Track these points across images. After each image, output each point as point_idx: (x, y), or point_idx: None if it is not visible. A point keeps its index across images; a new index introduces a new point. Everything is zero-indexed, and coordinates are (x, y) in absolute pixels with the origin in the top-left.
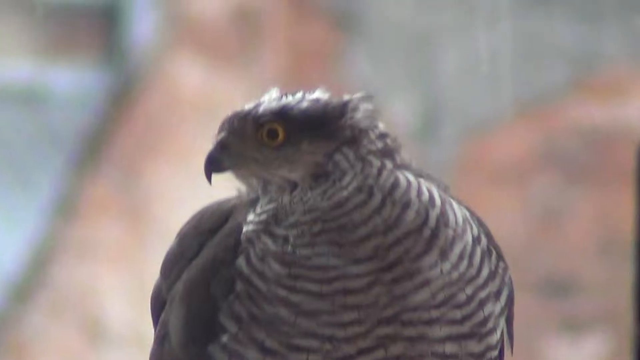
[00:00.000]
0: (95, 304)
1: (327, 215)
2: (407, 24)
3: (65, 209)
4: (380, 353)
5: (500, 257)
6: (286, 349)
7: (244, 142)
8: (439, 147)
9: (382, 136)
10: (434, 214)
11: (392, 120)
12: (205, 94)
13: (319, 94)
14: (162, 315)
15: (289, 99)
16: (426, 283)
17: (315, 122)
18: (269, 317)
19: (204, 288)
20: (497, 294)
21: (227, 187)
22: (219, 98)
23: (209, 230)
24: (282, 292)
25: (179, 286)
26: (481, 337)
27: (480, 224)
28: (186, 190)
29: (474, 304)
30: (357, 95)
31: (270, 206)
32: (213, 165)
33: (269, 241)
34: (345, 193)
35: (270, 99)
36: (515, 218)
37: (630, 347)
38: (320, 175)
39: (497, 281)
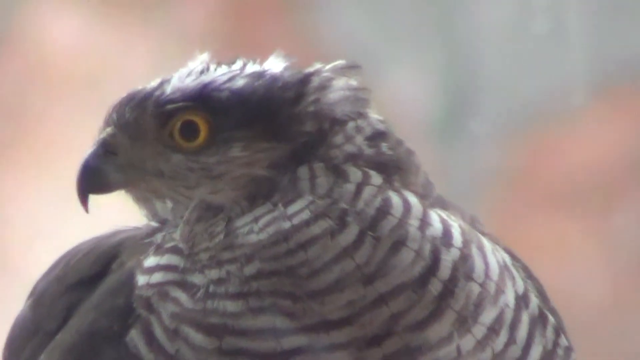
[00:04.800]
0: None
1: (263, 253)
2: None
3: None
4: None
5: (560, 329)
6: None
7: (141, 143)
8: (470, 149)
9: (375, 134)
10: (448, 259)
11: (395, 108)
12: (87, 57)
13: (270, 64)
14: None
15: (217, 73)
16: None
17: (256, 111)
18: None
19: None
20: None
21: (124, 206)
22: (109, 64)
23: (80, 284)
24: None
25: None
26: None
27: (529, 276)
28: (56, 213)
29: None
30: (332, 64)
31: (179, 242)
32: (90, 180)
33: (182, 297)
34: (286, 224)
35: (186, 72)
36: (591, 265)
37: None
38: (264, 196)
39: None
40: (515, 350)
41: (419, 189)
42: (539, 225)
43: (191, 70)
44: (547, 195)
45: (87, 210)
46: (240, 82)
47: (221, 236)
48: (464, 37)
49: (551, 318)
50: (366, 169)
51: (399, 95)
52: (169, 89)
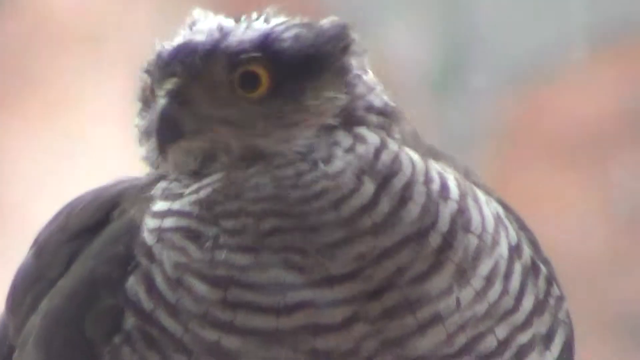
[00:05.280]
0: None
1: (289, 209)
2: None
3: None
4: None
5: (552, 279)
6: None
7: (212, 93)
8: (466, 106)
9: (378, 87)
10: (447, 213)
11: (395, 62)
12: (90, 15)
13: (295, 20)
14: None
15: (269, 25)
16: (436, 320)
17: (318, 61)
18: None
19: (74, 326)
20: (548, 339)
21: (126, 161)
22: (110, 22)
23: (82, 233)
24: (212, 335)
25: (35, 322)
26: None
27: (522, 227)
28: (59, 164)
29: (508, 354)
30: (334, 20)
31: (205, 188)
32: (169, 130)
33: (191, 247)
34: (327, 183)
35: (244, 25)
36: (588, 218)
37: None
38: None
39: (546, 317)
40: (508, 300)
41: (411, 140)
42: (536, 178)
43: (249, 23)
44: (545, 147)
45: (165, 157)
46: (294, 32)
47: (270, 187)
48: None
49: (543, 268)
50: (379, 131)
51: (398, 50)
52: (236, 41)
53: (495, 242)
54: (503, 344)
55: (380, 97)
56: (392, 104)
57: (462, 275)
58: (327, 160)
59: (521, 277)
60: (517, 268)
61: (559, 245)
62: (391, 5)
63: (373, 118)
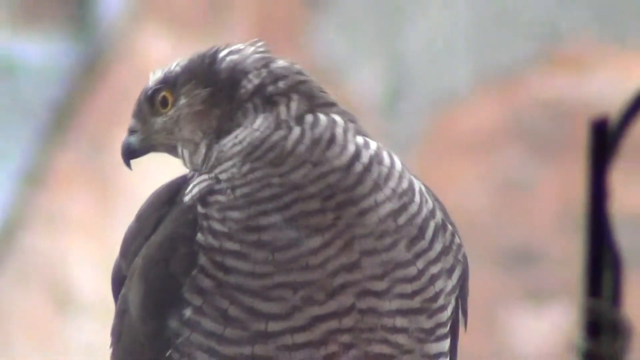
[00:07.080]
0: (64, 273)
1: (249, 157)
2: None
3: (34, 178)
4: (334, 323)
5: (455, 233)
6: (249, 314)
7: (146, 120)
8: (405, 120)
9: (275, 77)
10: (367, 153)
11: (356, 94)
12: None
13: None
14: (122, 290)
15: (172, 64)
16: (368, 209)
17: (189, 75)
18: (245, 276)
19: (163, 266)
20: (450, 272)
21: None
22: None
23: (166, 204)
24: (253, 236)
25: (138, 261)
26: (431, 313)
27: (436, 199)
28: (154, 161)
29: (424, 279)
30: (249, 42)
31: (203, 173)
32: (125, 152)
33: (220, 197)
34: (258, 134)
35: (161, 69)
36: (479, 190)
37: (580, 319)
38: (228, 126)
39: (450, 258)
40: (424, 243)
41: (335, 106)
42: (449, 167)
43: (164, 67)
44: (452, 148)
45: (130, 169)
46: (182, 64)
47: (210, 154)
48: (401, 50)
49: (449, 227)
50: (291, 95)
51: (359, 86)
52: (151, 82)
53: (402, 176)
54: (421, 272)
55: (273, 84)
56: (283, 87)
57: (377, 186)
58: (252, 122)
59: (434, 230)
60: (432, 224)
61: (461, 205)
62: (356, 57)
63: (280, 96)
